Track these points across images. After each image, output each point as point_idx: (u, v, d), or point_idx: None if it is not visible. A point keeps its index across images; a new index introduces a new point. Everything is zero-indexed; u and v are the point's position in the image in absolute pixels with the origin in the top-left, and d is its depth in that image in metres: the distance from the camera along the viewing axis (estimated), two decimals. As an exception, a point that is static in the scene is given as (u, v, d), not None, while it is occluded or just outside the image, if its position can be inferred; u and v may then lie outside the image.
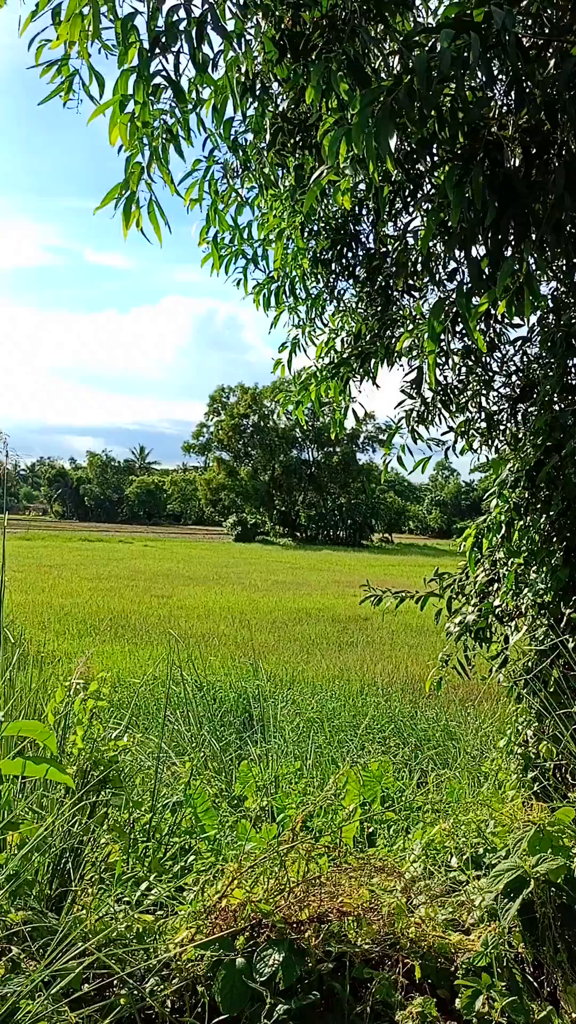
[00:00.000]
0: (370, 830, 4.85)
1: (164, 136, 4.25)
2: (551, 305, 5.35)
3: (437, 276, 5.04)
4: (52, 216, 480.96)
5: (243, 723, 9.50)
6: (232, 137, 4.84)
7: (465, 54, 3.16)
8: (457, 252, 4.21)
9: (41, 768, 2.96)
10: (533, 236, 3.89)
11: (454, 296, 4.57)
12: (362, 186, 5.25)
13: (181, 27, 3.72)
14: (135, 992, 3.02)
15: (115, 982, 3.06)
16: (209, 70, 4.04)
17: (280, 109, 4.56)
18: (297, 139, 4.55)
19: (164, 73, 3.89)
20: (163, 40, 3.74)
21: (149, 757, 6.15)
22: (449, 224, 3.92)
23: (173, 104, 4.17)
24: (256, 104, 4.45)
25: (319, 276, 5.84)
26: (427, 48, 3.23)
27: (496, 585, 5.63)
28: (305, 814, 3.79)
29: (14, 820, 3.65)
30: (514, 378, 5.64)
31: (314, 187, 3.63)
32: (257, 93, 4.38)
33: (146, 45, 3.80)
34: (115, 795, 4.14)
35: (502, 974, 3.03)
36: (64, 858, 3.63)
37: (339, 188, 3.76)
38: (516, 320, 5.23)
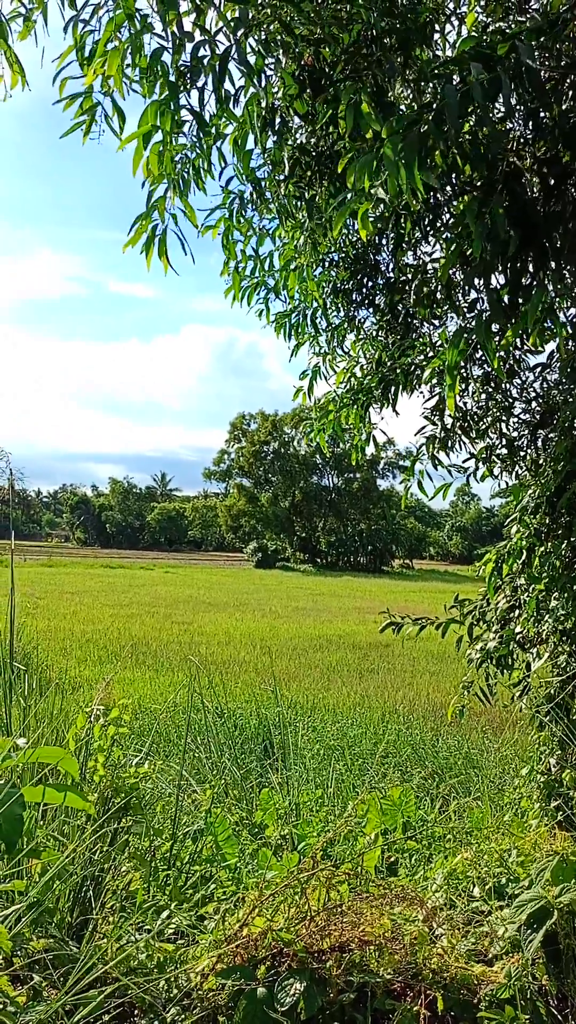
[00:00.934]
0: (391, 859, 4.81)
1: (186, 170, 4.33)
2: (570, 332, 5.36)
3: (458, 304, 5.08)
4: (75, 247, 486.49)
5: (264, 750, 9.47)
6: (252, 170, 4.91)
7: (485, 85, 3.21)
8: (477, 281, 4.24)
9: (62, 795, 2.97)
10: (552, 265, 3.92)
11: (473, 324, 4.60)
12: (382, 214, 5.31)
13: (205, 62, 3.83)
14: (156, 1022, 3.00)
15: (136, 1011, 3.05)
16: (231, 105, 4.14)
17: (299, 143, 4.63)
18: (315, 171, 4.61)
19: (188, 106, 4.01)
20: (189, 74, 3.84)
21: (170, 784, 6.14)
22: (469, 254, 3.95)
23: (194, 139, 4.26)
24: (275, 138, 4.52)
25: (339, 306, 5.89)
26: (454, 80, 3.28)
27: (517, 612, 5.60)
28: (326, 842, 3.77)
29: (36, 847, 3.66)
30: (534, 404, 5.65)
31: (343, 209, 3.66)
32: (277, 127, 4.45)
33: (171, 78, 3.90)
34: (136, 823, 4.13)
35: (526, 1006, 3.00)
36: (85, 886, 3.63)
37: (362, 215, 3.79)
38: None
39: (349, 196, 3.60)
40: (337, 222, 3.77)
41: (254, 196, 5.12)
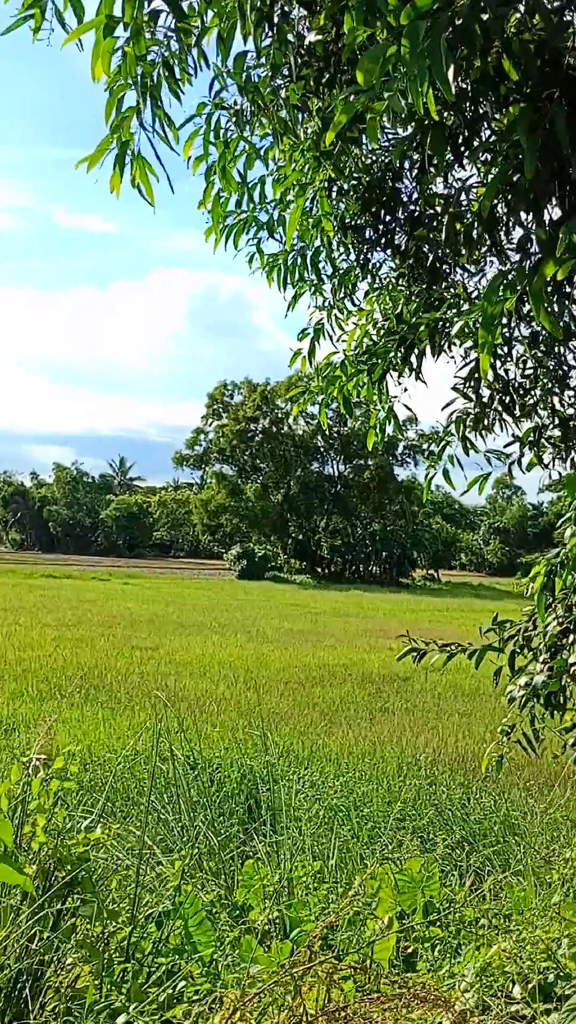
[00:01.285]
0: (409, 949, 4.82)
1: (159, 72, 4.29)
2: None
3: (500, 243, 5.04)
4: (13, 169, 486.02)
5: (248, 811, 9.48)
6: (244, 75, 4.87)
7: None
8: (524, 215, 4.22)
9: (-8, 866, 2.96)
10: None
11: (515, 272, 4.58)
12: (403, 133, 5.29)
13: None
14: None
15: None
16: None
17: (306, 42, 4.59)
18: (325, 78, 4.58)
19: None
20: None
21: (128, 854, 6.15)
22: (517, 179, 3.93)
23: (169, 35, 4.22)
24: (275, 34, 4.48)
25: (349, 246, 5.84)
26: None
27: (572, 637, 5.60)
28: (325, 927, 3.77)
29: (-43, 932, 3.65)
30: (596, 374, 5.65)
31: (345, 108, 3.61)
32: (276, 21, 4.41)
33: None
34: (85, 903, 4.13)
35: None
36: (20, 982, 3.63)
37: (370, 124, 3.73)
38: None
39: (352, 97, 3.54)
40: (332, 129, 3.71)
41: (245, 108, 5.07)
